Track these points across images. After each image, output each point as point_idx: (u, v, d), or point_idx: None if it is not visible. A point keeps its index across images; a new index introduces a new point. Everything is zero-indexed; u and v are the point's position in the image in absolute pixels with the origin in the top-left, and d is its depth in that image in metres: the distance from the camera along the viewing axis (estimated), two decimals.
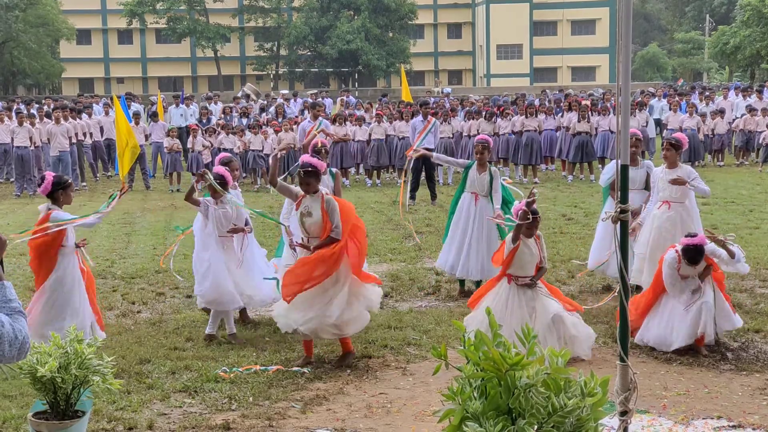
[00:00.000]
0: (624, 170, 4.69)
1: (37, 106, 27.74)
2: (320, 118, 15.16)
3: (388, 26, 66.19)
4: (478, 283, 9.99)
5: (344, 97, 30.79)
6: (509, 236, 7.78)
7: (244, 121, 23.83)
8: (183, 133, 23.43)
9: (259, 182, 20.90)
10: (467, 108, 23.85)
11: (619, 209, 4.64)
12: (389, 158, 21.13)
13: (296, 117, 24.77)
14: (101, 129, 23.11)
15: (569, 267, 11.28)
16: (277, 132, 21.07)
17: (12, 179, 21.49)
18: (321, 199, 7.58)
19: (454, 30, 77.64)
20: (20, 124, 20.92)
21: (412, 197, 17.61)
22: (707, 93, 28.87)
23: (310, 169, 7.60)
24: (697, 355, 7.66)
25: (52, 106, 24.66)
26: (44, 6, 57.75)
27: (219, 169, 8.57)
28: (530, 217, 7.56)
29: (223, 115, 25.41)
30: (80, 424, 5.41)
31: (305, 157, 8.49)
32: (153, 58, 74.03)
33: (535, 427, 3.57)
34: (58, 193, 8.00)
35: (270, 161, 7.75)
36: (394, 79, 66.28)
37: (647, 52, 76.27)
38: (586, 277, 10.63)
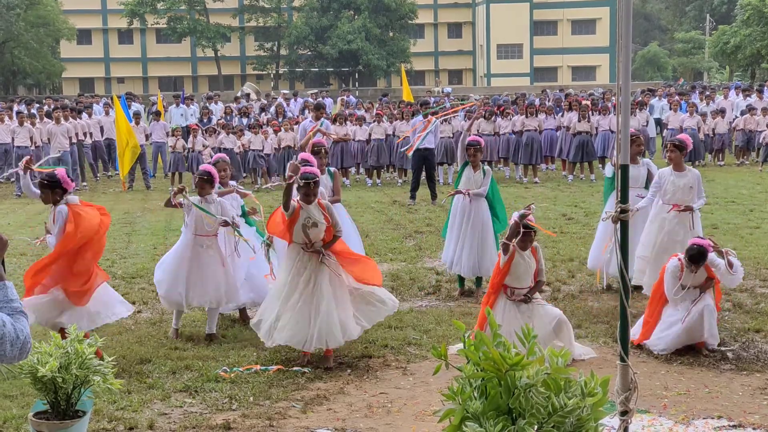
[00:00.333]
0: (624, 170, 4.70)
1: (37, 105, 27.73)
2: (322, 118, 15.16)
3: (388, 26, 66.23)
4: (477, 282, 10.02)
5: (344, 97, 30.80)
6: (501, 248, 7.74)
7: (244, 120, 23.83)
8: (184, 133, 23.43)
9: (260, 182, 20.89)
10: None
11: (619, 209, 4.65)
12: (389, 158, 21.17)
13: (297, 117, 24.77)
14: (101, 129, 23.10)
15: (569, 267, 11.29)
16: (276, 132, 21.07)
17: (12, 179, 21.51)
18: (321, 208, 7.60)
19: (455, 30, 77.65)
20: (21, 124, 20.93)
21: (413, 197, 17.63)
22: (708, 93, 28.87)
23: (316, 180, 7.59)
24: (698, 355, 7.66)
25: (52, 106, 24.67)
26: (45, 6, 57.81)
27: (206, 166, 8.69)
28: (520, 230, 7.53)
29: (224, 115, 25.42)
30: (81, 424, 5.41)
31: (305, 159, 8.50)
32: (153, 58, 74.06)
33: (535, 427, 3.57)
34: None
35: (284, 192, 7.70)
36: (395, 78, 66.32)
37: (648, 51, 76.30)
38: (586, 277, 10.64)
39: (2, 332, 3.31)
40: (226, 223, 8.38)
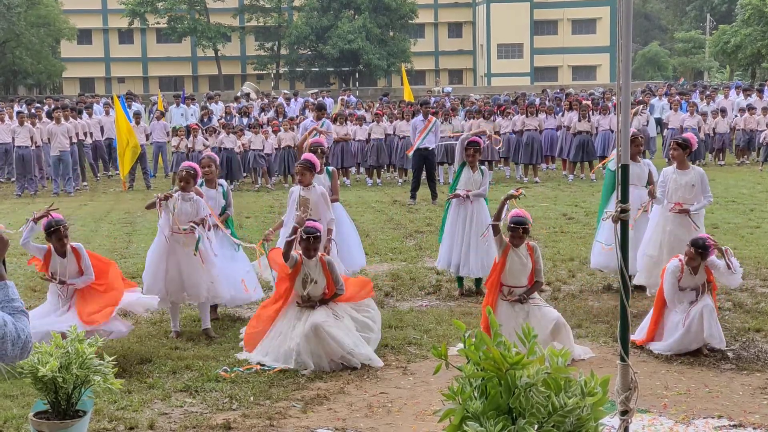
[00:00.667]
0: (624, 170, 4.70)
1: (37, 105, 27.75)
2: (323, 118, 15.19)
3: (388, 26, 66.22)
4: (477, 282, 10.01)
5: (345, 97, 30.79)
6: (491, 229, 7.87)
7: (244, 120, 23.82)
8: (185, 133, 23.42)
9: (260, 182, 20.89)
10: (467, 107, 23.88)
11: (619, 209, 4.65)
12: (389, 157, 21.17)
13: (297, 117, 24.76)
14: (102, 129, 23.12)
15: (570, 267, 11.29)
16: (276, 132, 21.06)
17: (13, 179, 21.52)
18: (322, 264, 7.62)
19: (455, 29, 77.64)
20: (21, 123, 20.92)
21: (413, 197, 17.63)
22: (708, 92, 28.86)
23: (317, 234, 7.59)
24: (698, 355, 7.65)
25: (52, 106, 24.68)
26: (45, 6, 57.81)
27: (189, 162, 8.81)
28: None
29: (224, 115, 25.41)
30: (81, 423, 5.41)
31: (308, 158, 8.51)
32: (154, 58, 74.04)
33: (536, 426, 3.57)
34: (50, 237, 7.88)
35: (284, 244, 7.73)
36: (395, 78, 66.31)
37: (648, 51, 76.27)
38: (586, 276, 10.64)
39: (3, 332, 3.31)
40: (198, 224, 8.38)
